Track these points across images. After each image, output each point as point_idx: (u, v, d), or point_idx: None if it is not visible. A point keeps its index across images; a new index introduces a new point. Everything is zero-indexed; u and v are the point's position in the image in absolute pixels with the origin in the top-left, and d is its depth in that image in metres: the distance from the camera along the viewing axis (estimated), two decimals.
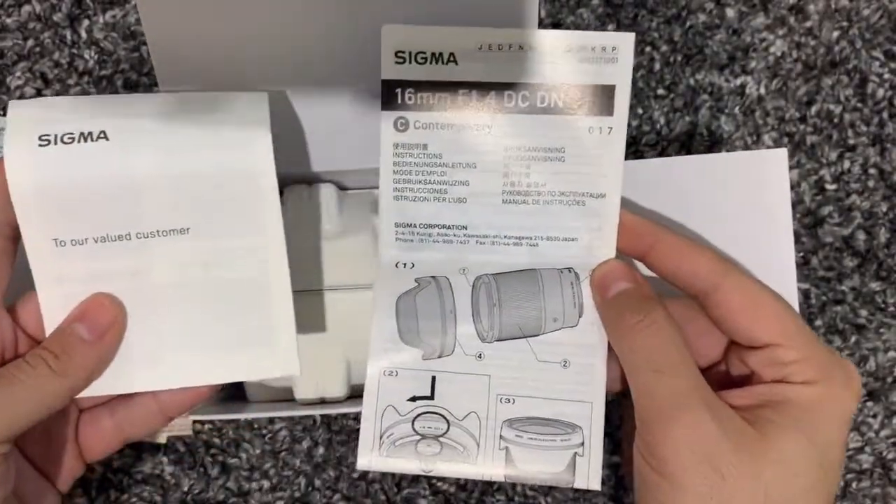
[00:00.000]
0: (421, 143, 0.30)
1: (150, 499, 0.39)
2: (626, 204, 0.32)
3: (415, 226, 0.31)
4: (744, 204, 0.33)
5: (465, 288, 0.30)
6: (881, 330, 0.40)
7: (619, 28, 0.41)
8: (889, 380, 0.40)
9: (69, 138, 0.27)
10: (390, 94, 0.30)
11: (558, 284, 0.30)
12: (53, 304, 0.28)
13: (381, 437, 0.30)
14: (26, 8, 0.40)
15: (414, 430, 0.30)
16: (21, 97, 0.39)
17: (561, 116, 0.30)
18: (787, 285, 0.33)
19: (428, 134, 0.30)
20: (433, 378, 0.30)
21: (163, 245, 0.28)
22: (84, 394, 0.28)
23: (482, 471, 0.30)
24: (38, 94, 0.40)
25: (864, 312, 0.40)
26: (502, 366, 0.30)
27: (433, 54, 0.29)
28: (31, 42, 0.40)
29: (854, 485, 0.39)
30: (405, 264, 0.31)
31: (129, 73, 0.40)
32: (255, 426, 0.39)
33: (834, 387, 0.26)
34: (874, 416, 0.40)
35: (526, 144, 0.30)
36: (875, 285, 0.40)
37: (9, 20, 0.40)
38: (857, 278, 0.40)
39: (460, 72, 0.29)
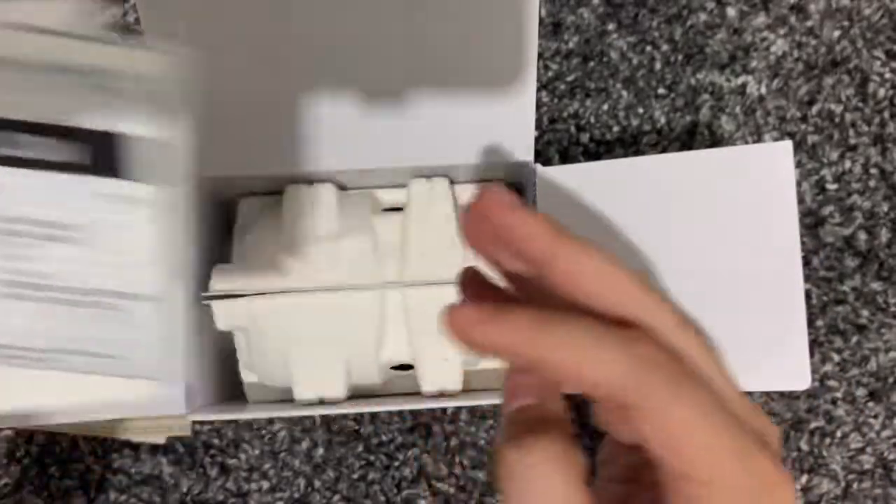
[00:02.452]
0: None
1: (149, 499, 0.38)
2: (627, 202, 0.32)
3: None
4: (749, 199, 0.33)
5: None
6: (882, 330, 0.40)
7: (619, 28, 0.41)
8: (890, 380, 0.40)
9: None
10: None
11: None
12: None
13: None
14: None
15: None
16: None
17: None
18: (793, 281, 0.32)
19: None
20: None
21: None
22: None
23: None
24: None
25: (865, 313, 0.40)
26: None
27: None
28: None
29: (855, 485, 0.39)
30: None
31: None
32: (255, 427, 0.39)
33: None
34: (875, 417, 0.39)
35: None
36: (876, 285, 0.40)
37: None
38: (858, 278, 0.40)
39: None
